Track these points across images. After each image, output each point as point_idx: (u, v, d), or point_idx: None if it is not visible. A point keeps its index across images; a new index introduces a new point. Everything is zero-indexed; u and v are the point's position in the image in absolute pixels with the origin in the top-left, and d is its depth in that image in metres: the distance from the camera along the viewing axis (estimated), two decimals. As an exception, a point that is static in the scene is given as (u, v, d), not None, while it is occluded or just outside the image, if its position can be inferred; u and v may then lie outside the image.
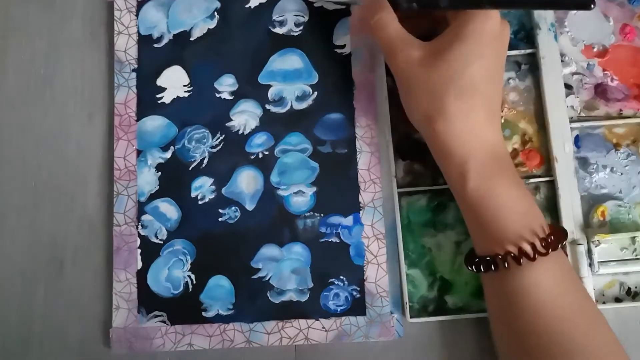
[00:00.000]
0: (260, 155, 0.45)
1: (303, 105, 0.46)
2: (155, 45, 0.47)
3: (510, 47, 0.46)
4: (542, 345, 0.36)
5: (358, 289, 0.44)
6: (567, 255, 0.43)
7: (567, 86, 0.46)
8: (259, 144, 0.45)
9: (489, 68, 0.38)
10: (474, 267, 0.39)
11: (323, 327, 0.43)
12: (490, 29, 0.38)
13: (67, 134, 0.46)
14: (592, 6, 0.34)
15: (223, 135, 0.45)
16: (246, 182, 0.45)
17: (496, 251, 0.38)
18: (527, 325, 0.37)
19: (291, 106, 0.46)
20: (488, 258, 0.38)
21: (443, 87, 0.38)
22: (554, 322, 0.36)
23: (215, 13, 0.47)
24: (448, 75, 0.38)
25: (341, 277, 0.44)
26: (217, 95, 0.46)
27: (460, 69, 0.37)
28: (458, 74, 0.37)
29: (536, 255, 0.37)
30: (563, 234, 0.39)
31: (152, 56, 0.46)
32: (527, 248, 0.37)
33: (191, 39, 0.47)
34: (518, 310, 0.37)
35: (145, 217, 0.45)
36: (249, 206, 0.45)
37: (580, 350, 0.36)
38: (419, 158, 0.45)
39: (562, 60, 0.46)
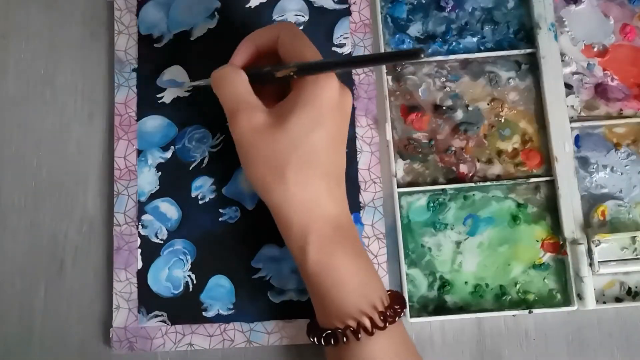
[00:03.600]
0: (261, 155, 0.45)
1: (303, 105, 0.46)
2: (155, 45, 0.47)
3: (510, 47, 0.46)
4: None
5: (358, 288, 0.44)
6: (567, 254, 0.43)
7: (567, 86, 0.46)
8: (259, 143, 0.45)
9: (329, 137, 0.37)
10: (315, 339, 0.39)
11: (323, 327, 0.43)
12: (328, 98, 0.36)
13: (67, 134, 0.46)
14: (422, 55, 0.31)
15: (223, 135, 0.45)
16: (246, 182, 0.45)
17: (336, 325, 0.37)
18: None
19: (291, 106, 0.46)
20: (329, 332, 0.38)
21: (283, 157, 0.36)
22: None
23: (216, 13, 0.47)
24: (288, 143, 0.36)
25: (341, 277, 0.44)
26: (217, 95, 0.46)
27: (300, 138, 0.36)
28: (298, 143, 0.36)
29: (374, 330, 0.36)
30: (402, 304, 0.39)
31: (152, 56, 0.46)
32: (366, 322, 0.36)
33: (191, 38, 0.47)
34: None
35: (146, 217, 0.45)
36: (249, 206, 0.45)
37: None
38: (419, 158, 0.46)
39: (562, 60, 0.46)
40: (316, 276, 0.37)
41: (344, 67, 0.38)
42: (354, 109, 0.45)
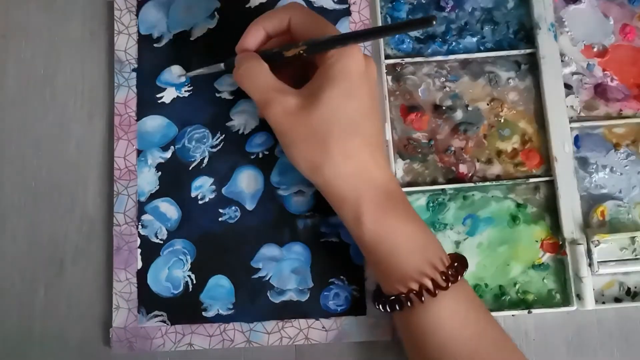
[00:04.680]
0: (261, 155, 0.45)
1: (303, 105, 0.46)
2: (155, 45, 0.47)
3: (510, 47, 0.46)
4: None
5: (358, 288, 0.44)
6: (567, 255, 0.43)
7: (567, 86, 0.46)
8: (259, 143, 0.45)
9: (364, 106, 0.37)
10: (380, 306, 0.39)
11: (323, 327, 0.43)
12: (355, 69, 0.37)
13: (67, 134, 0.46)
14: (434, 22, 0.32)
15: (223, 135, 0.45)
16: (246, 182, 0.45)
17: (400, 290, 0.37)
18: None
19: (291, 106, 0.46)
20: (393, 297, 0.38)
21: (325, 131, 0.37)
22: (460, 355, 0.36)
23: (215, 13, 0.47)
24: (327, 118, 0.37)
25: (341, 277, 0.44)
26: (217, 95, 0.46)
27: (338, 110, 0.37)
28: (336, 116, 0.37)
29: (437, 291, 0.36)
30: (463, 264, 0.39)
31: (152, 56, 0.46)
32: (428, 284, 0.37)
33: (191, 38, 0.47)
34: (427, 347, 0.37)
35: (146, 217, 0.45)
36: (249, 206, 0.45)
37: None
38: (419, 158, 0.46)
39: (562, 60, 0.46)
40: (374, 244, 0.38)
41: (354, 40, 0.37)
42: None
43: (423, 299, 0.37)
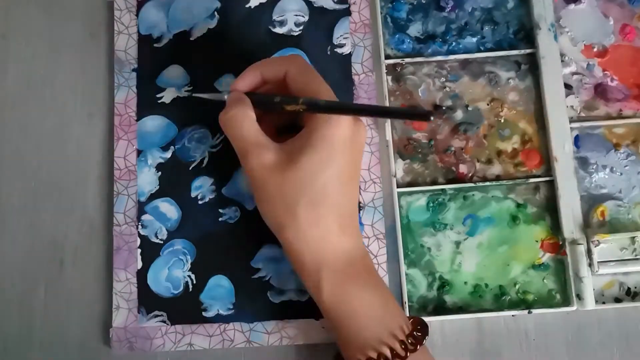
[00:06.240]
0: (260, 155, 0.45)
1: (303, 105, 0.46)
2: (155, 45, 0.47)
3: (510, 47, 0.46)
4: None
5: (358, 288, 0.44)
6: (567, 255, 0.43)
7: (567, 86, 0.46)
8: (259, 143, 0.45)
9: (341, 174, 0.37)
10: None
11: (323, 327, 0.43)
12: (340, 135, 0.37)
13: (67, 134, 0.46)
14: (431, 118, 0.34)
15: (223, 135, 0.45)
16: (246, 182, 0.45)
17: (358, 357, 0.37)
18: None
19: (291, 106, 0.46)
20: None
21: (294, 195, 0.37)
22: None
23: (215, 13, 0.47)
24: (299, 182, 0.37)
25: (341, 277, 0.44)
26: (217, 95, 0.46)
27: (311, 177, 0.37)
28: (309, 182, 0.37)
29: None
30: (424, 331, 0.39)
31: (152, 56, 0.46)
32: (387, 352, 0.37)
33: (191, 38, 0.47)
34: None
35: (146, 217, 0.45)
36: (249, 206, 0.45)
37: None
38: (419, 158, 0.46)
39: (562, 60, 0.46)
40: (333, 310, 0.38)
41: (352, 113, 0.37)
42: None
43: None
